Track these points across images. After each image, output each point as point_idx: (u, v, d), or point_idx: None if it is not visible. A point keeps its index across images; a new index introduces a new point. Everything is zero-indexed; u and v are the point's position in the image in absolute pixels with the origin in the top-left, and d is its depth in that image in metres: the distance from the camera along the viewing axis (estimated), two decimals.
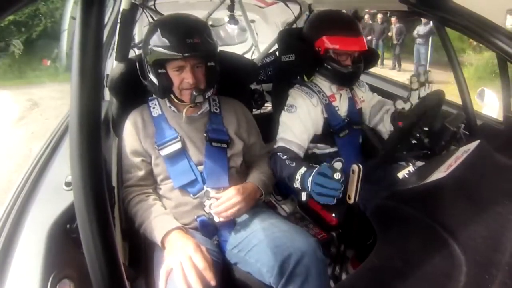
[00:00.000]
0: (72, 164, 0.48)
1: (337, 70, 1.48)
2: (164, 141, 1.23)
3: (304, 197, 1.18)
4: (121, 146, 1.27)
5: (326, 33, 1.46)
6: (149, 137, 1.24)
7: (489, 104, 2.34)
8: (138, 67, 1.27)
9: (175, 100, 1.25)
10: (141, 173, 1.22)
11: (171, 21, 1.22)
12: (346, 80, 1.53)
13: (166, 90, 1.22)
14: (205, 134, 1.26)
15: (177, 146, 1.22)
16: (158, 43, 1.16)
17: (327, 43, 1.46)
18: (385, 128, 1.58)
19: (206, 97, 1.24)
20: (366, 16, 9.04)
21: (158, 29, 1.18)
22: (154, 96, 1.32)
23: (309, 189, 1.13)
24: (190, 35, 1.14)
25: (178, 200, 1.20)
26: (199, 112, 1.30)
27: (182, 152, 1.23)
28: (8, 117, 6.49)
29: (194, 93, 1.19)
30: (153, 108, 1.29)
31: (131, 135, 1.25)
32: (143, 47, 1.22)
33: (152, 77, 1.22)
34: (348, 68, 1.48)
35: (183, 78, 1.19)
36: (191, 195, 1.20)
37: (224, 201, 1.16)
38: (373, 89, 1.78)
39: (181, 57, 1.15)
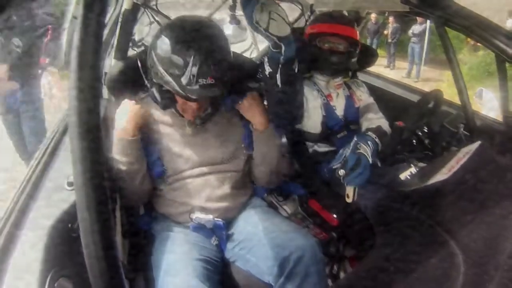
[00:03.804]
0: (73, 163, 0.48)
1: (319, 55, 1.50)
2: None
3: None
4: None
5: (313, 22, 1.55)
6: None
7: (488, 104, 2.34)
8: (140, 65, 1.22)
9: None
10: None
11: (184, 44, 1.06)
12: (327, 66, 1.52)
13: (167, 107, 1.18)
14: None
15: None
16: (165, 69, 1.08)
17: (311, 28, 1.53)
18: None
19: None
20: (373, 16, 9.05)
21: (168, 48, 1.07)
22: None
23: None
24: (204, 74, 1.04)
25: None
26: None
27: None
28: None
29: (197, 121, 1.19)
30: None
31: None
32: (150, 54, 1.14)
33: (154, 89, 1.17)
34: (327, 54, 1.49)
35: (187, 103, 1.16)
36: None
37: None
38: (370, 87, 1.78)
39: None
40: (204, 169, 1.21)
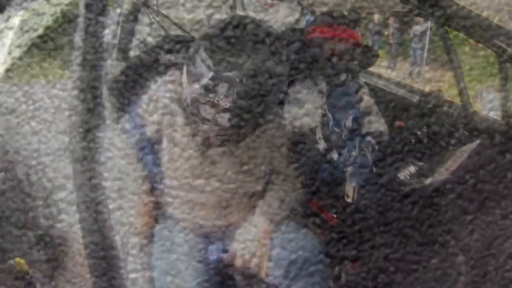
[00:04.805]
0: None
1: (320, 56, 1.48)
2: None
3: None
4: None
5: (313, 23, 1.54)
6: None
7: (488, 105, 2.34)
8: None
9: None
10: None
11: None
12: (328, 68, 1.49)
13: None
14: None
15: None
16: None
17: (311, 29, 1.51)
18: None
19: None
20: (375, 16, 9.05)
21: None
22: None
23: None
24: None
25: None
26: None
27: None
28: None
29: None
30: None
31: None
32: None
33: None
34: (328, 55, 1.47)
35: None
36: None
37: None
38: (371, 88, 1.78)
39: None
40: (203, 183, 1.07)
